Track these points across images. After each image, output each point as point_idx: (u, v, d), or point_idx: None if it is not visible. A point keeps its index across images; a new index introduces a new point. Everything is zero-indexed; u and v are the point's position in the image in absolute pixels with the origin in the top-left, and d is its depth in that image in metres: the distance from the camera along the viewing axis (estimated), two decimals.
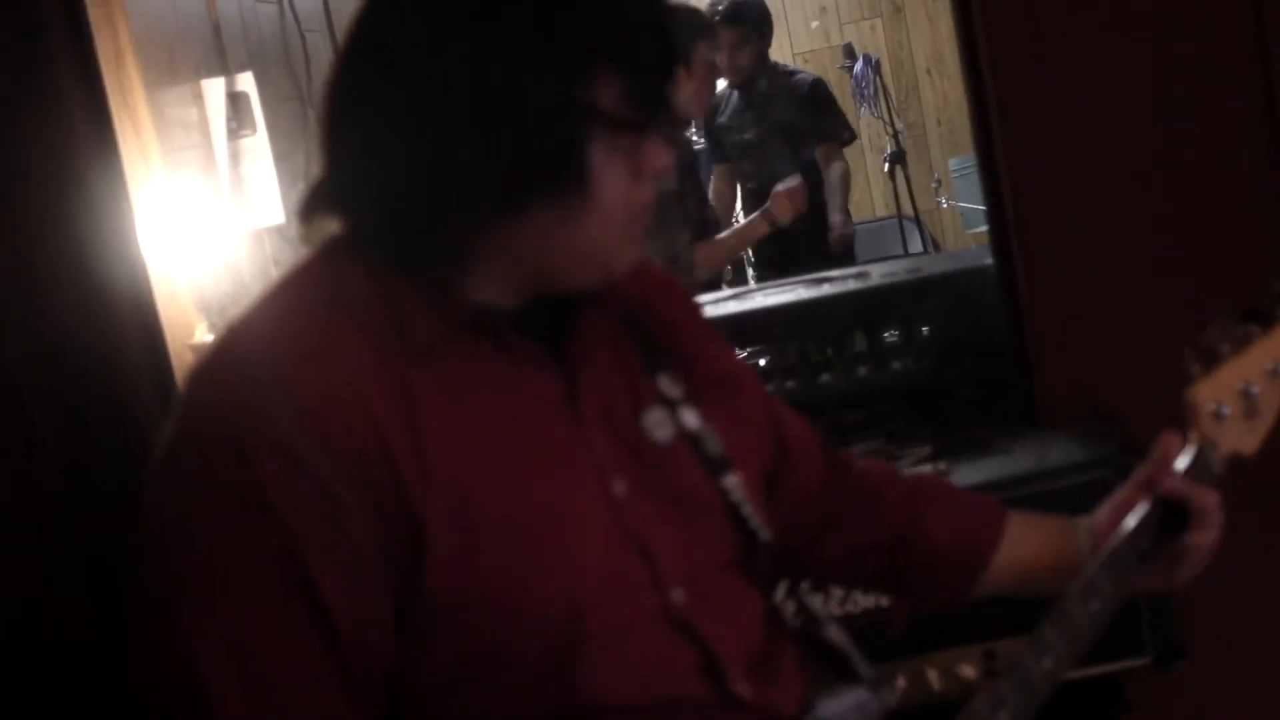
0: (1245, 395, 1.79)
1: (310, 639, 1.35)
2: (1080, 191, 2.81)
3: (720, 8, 5.43)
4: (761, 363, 3.17)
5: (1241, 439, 1.80)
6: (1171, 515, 1.72)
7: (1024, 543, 1.85)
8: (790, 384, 3.11)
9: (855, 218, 7.03)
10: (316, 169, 1.50)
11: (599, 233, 1.47)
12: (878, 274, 3.25)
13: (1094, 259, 2.83)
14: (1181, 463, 1.75)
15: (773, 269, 5.30)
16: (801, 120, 5.56)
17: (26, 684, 2.70)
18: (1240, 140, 2.78)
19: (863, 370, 3.09)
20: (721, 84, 5.50)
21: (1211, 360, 1.80)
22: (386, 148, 1.42)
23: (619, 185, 1.46)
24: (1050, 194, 2.81)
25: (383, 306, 1.43)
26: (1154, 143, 2.80)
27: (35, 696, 2.67)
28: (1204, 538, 1.72)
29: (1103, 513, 1.82)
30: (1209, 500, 1.72)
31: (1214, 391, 1.78)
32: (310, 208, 1.50)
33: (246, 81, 3.60)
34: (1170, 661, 2.51)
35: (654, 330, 1.66)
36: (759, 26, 5.52)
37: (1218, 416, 1.77)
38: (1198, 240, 2.81)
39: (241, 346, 1.44)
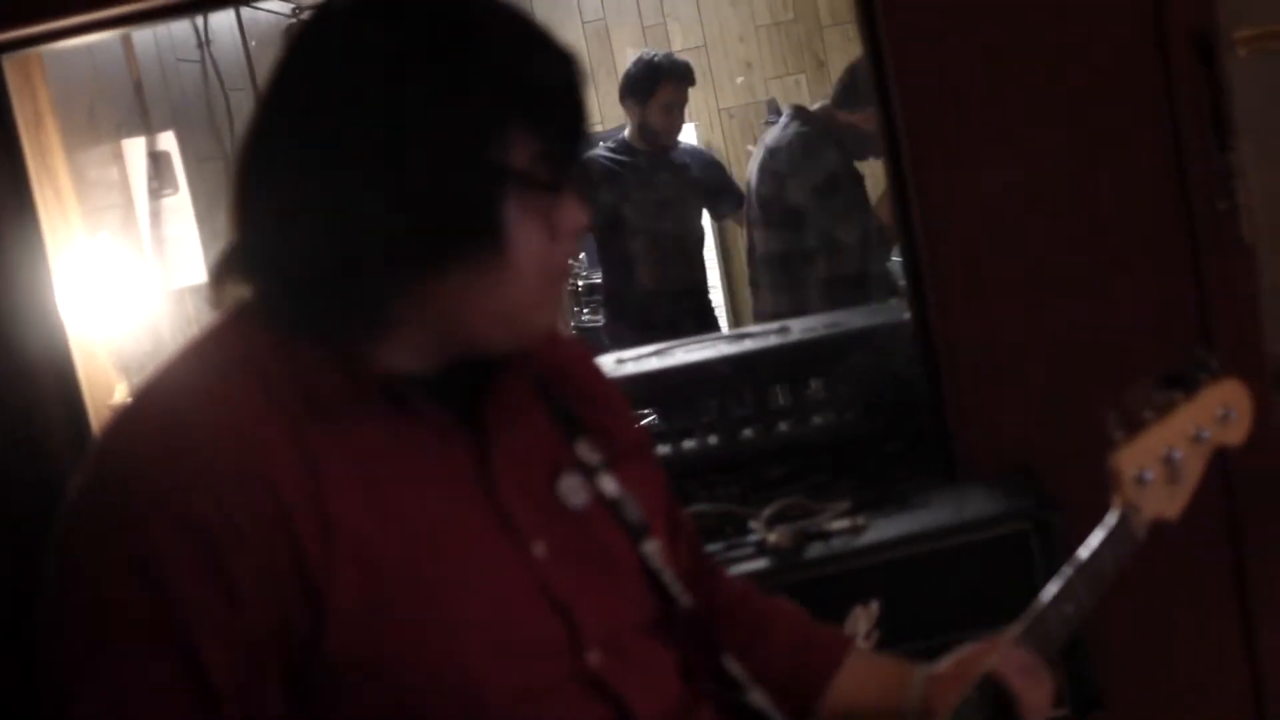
0: (1168, 461, 1.80)
1: (191, 703, 1.33)
2: (998, 248, 2.83)
3: (669, 60, 5.46)
4: (686, 420, 3.18)
5: (1164, 504, 1.81)
6: (1000, 696, 1.68)
7: (855, 686, 1.79)
8: (713, 439, 3.12)
9: None
10: (231, 232, 1.49)
11: (515, 294, 1.45)
12: (798, 329, 3.27)
13: (1012, 315, 2.85)
14: (1102, 532, 1.77)
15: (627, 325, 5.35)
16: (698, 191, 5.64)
17: None
18: (1153, 190, 2.81)
19: (784, 425, 3.10)
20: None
21: (1135, 425, 1.80)
22: (298, 211, 1.41)
23: (535, 245, 1.45)
24: (968, 251, 2.83)
25: (291, 373, 1.41)
26: (1070, 196, 2.83)
27: None
28: (1028, 707, 1.67)
29: (946, 665, 1.75)
30: (1033, 695, 1.67)
31: (1137, 457, 1.79)
32: (223, 271, 1.49)
33: (168, 140, 3.60)
34: (1087, 713, 2.52)
35: (571, 397, 1.65)
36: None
37: (1140, 481, 1.78)
38: (1118, 295, 2.84)
39: (143, 412, 1.43)
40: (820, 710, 1.78)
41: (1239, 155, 2.76)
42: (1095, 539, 1.77)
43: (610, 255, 5.46)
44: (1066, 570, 1.75)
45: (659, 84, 5.33)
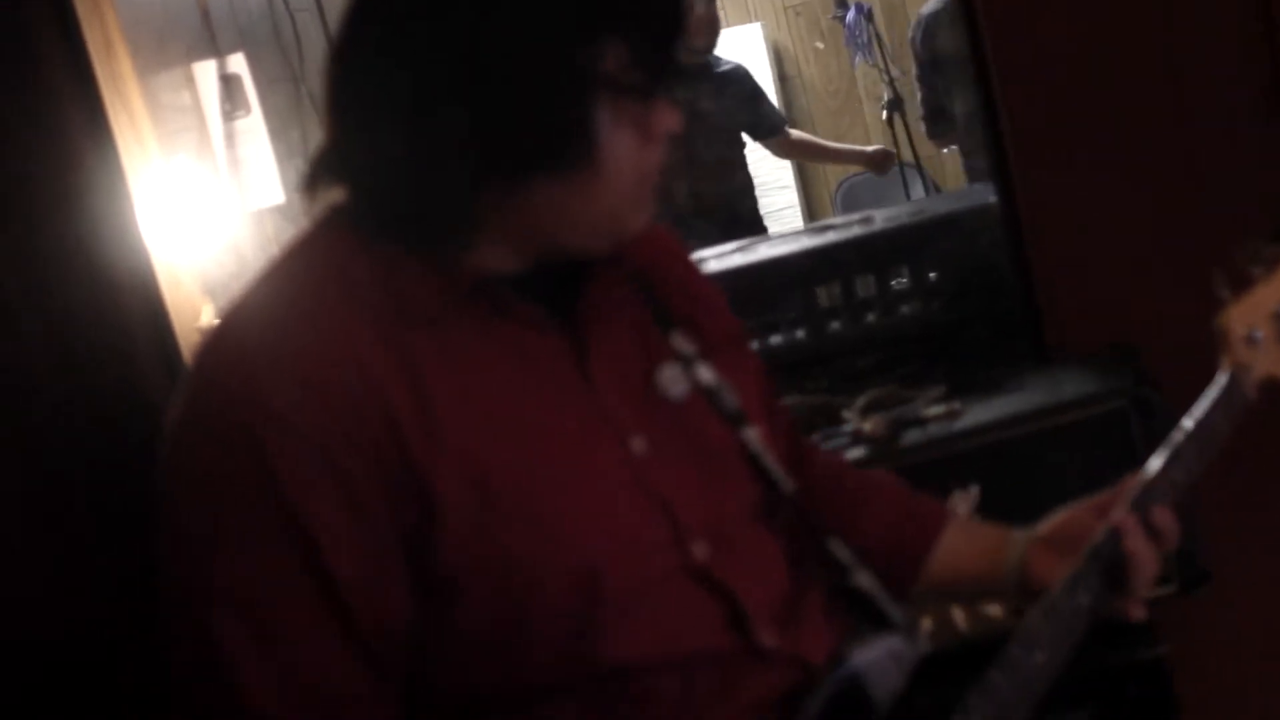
0: (1278, 318, 1.77)
1: (327, 618, 1.35)
2: (1082, 124, 2.79)
3: None
4: (774, 314, 3.16)
5: (1276, 362, 1.78)
6: (1110, 568, 1.66)
7: (954, 554, 1.82)
8: (800, 333, 3.10)
9: (852, 170, 7.03)
10: (313, 147, 1.49)
11: (607, 200, 1.45)
12: (881, 219, 3.22)
13: (1098, 192, 2.81)
14: (1206, 400, 1.73)
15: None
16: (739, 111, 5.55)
17: (43, 665, 2.72)
18: (1243, 70, 2.76)
19: (871, 316, 3.07)
20: None
21: (1242, 283, 1.78)
22: (388, 118, 1.40)
23: (627, 151, 1.44)
24: (1051, 127, 2.79)
25: (384, 280, 1.42)
26: (1157, 72, 2.78)
27: (48, 676, 2.69)
28: (1138, 609, 1.68)
29: (1047, 527, 1.77)
30: (1148, 566, 1.66)
31: (1246, 315, 1.76)
32: (314, 179, 1.49)
33: (238, 63, 3.60)
34: (1195, 588, 2.50)
35: (665, 290, 1.65)
36: None
37: (1250, 341, 1.75)
38: (1202, 167, 2.79)
39: (241, 328, 1.43)
40: (921, 580, 1.80)
41: None
42: (1204, 401, 1.74)
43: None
44: (1176, 435, 1.72)
45: None
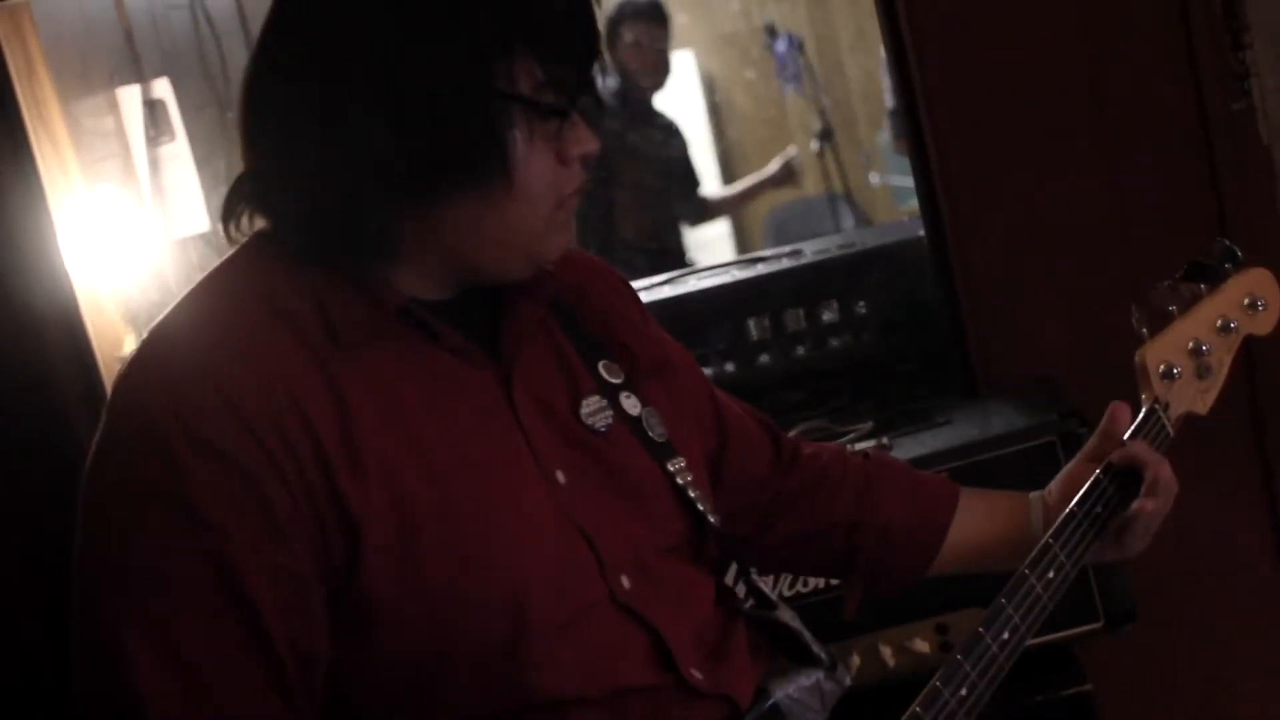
0: (1196, 354, 1.79)
1: (241, 639, 1.33)
2: (1010, 158, 2.81)
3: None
4: (703, 348, 3.15)
5: (1194, 399, 1.80)
6: (1123, 484, 1.71)
7: (976, 521, 1.84)
8: (729, 366, 3.09)
9: (786, 197, 7.04)
10: (239, 172, 1.48)
11: (524, 220, 1.45)
12: (811, 251, 3.23)
13: (1026, 225, 2.83)
14: (1131, 427, 1.74)
15: None
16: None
17: None
18: (1168, 93, 2.78)
19: (801, 349, 3.07)
20: None
21: (1160, 320, 1.79)
22: (305, 140, 1.40)
23: (542, 171, 1.44)
24: (979, 162, 2.81)
25: (309, 300, 1.41)
26: (1083, 102, 2.80)
27: None
28: (1154, 505, 1.70)
29: (1054, 486, 1.82)
30: (1160, 468, 1.71)
31: (1163, 352, 1.78)
32: (233, 205, 1.47)
33: (163, 88, 3.56)
34: (1121, 625, 2.51)
35: (589, 318, 1.64)
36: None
37: (1168, 376, 1.77)
38: (1130, 200, 2.81)
39: (165, 345, 1.42)
40: (946, 549, 1.83)
41: (1254, 54, 2.72)
42: (1127, 435, 1.75)
43: (590, 199, 5.34)
44: (1096, 472, 1.73)
45: (620, 24, 5.25)
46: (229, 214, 1.48)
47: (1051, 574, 1.66)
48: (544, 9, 1.41)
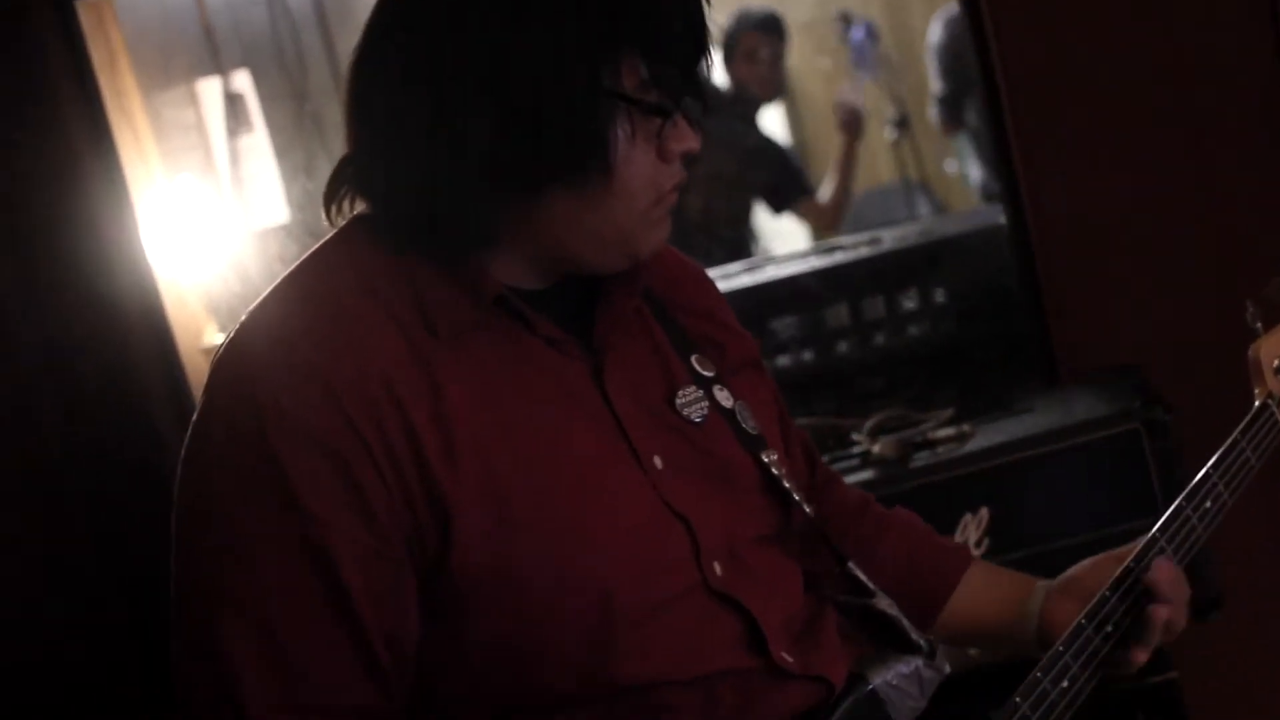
0: None
1: (334, 623, 1.34)
2: (1090, 144, 2.79)
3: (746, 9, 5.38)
4: (781, 336, 3.14)
5: None
6: (1138, 594, 1.66)
7: (977, 597, 1.80)
8: (807, 354, 3.09)
9: (862, 185, 7.01)
10: (317, 166, 1.48)
11: (622, 216, 1.45)
12: (890, 239, 3.22)
13: (1106, 212, 2.80)
14: (1243, 422, 1.73)
15: None
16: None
17: (41, 676, 2.71)
18: (1258, 85, 2.75)
19: (880, 337, 3.07)
20: None
21: (1274, 316, 1.79)
22: (410, 129, 1.40)
23: (642, 169, 1.44)
24: (1059, 148, 2.79)
25: (406, 288, 1.42)
26: (1165, 90, 2.77)
27: (48, 686, 2.69)
28: (1166, 611, 1.65)
29: (1065, 577, 1.75)
30: (1171, 576, 1.66)
31: (1277, 347, 1.77)
32: (336, 187, 1.48)
33: (242, 80, 3.59)
34: (1208, 613, 2.48)
35: (681, 312, 1.64)
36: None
37: None
38: (1210, 187, 2.79)
39: (262, 331, 1.42)
40: (940, 623, 1.79)
41: None
42: (1235, 432, 1.74)
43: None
44: (1205, 466, 1.72)
45: (737, 34, 5.25)
46: (331, 196, 1.48)
47: (1066, 683, 1.62)
48: (651, 7, 1.41)
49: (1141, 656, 1.66)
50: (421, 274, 1.42)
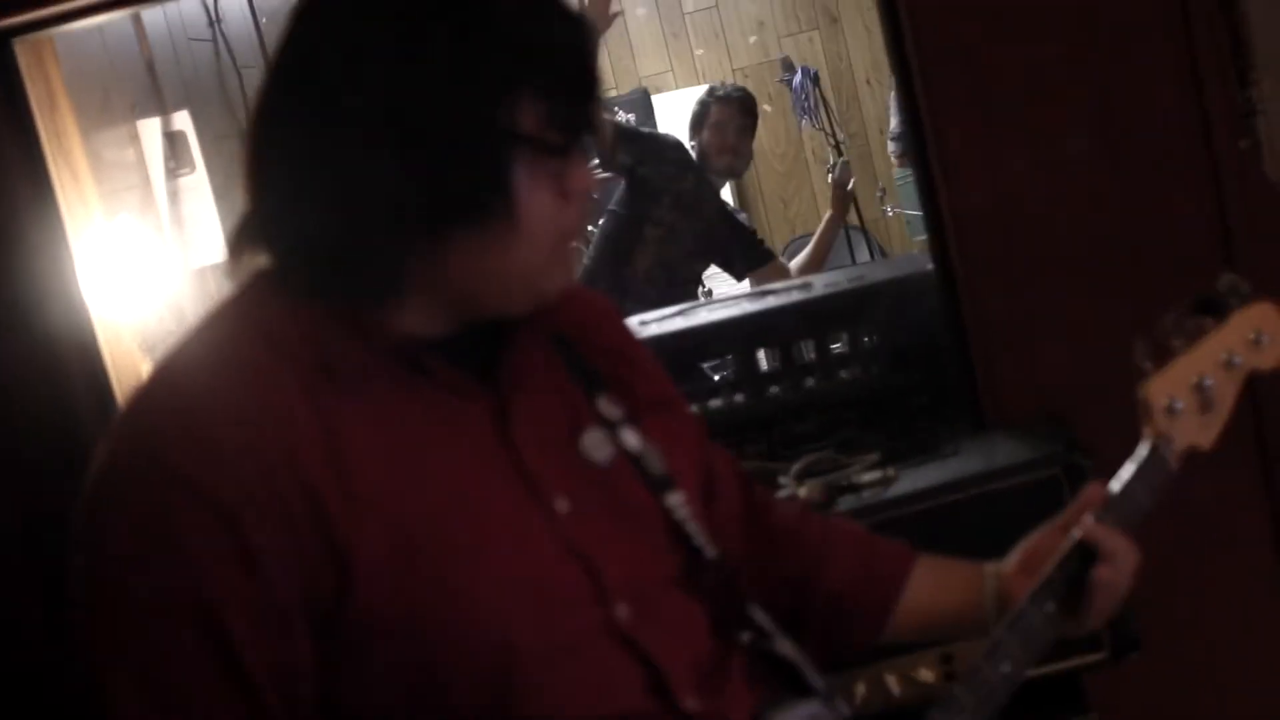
0: (1199, 389, 1.77)
1: (223, 680, 1.35)
2: (1016, 191, 2.81)
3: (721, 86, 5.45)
4: (714, 378, 3.17)
5: (1197, 433, 1.78)
6: (1086, 563, 1.69)
7: (929, 591, 1.83)
8: (739, 397, 3.11)
9: (800, 231, 7.07)
10: (246, 199, 1.49)
11: (526, 257, 1.46)
12: (821, 284, 3.25)
13: (1034, 258, 2.83)
14: (1132, 463, 1.75)
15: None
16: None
17: None
18: (1175, 130, 2.79)
19: (811, 381, 3.09)
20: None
21: (1164, 355, 1.78)
22: (309, 179, 1.41)
23: (544, 209, 1.45)
24: (986, 195, 2.82)
25: (307, 340, 1.42)
26: (1089, 136, 2.80)
27: None
28: (1111, 574, 1.68)
29: (1015, 554, 1.80)
30: (1121, 544, 1.69)
31: (1166, 386, 1.76)
32: (239, 240, 1.49)
33: (183, 120, 3.60)
34: (1125, 655, 2.52)
35: (590, 353, 1.66)
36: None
37: (1171, 411, 1.75)
38: (1137, 234, 2.82)
39: (162, 390, 1.44)
40: (896, 622, 1.81)
41: (1260, 91, 2.73)
42: (1126, 472, 1.75)
43: (618, 242, 5.28)
44: (1098, 507, 1.73)
45: (710, 104, 5.32)
46: (234, 251, 1.49)
47: (1006, 666, 1.64)
48: (552, 48, 1.42)
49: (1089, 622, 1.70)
50: (321, 325, 1.43)
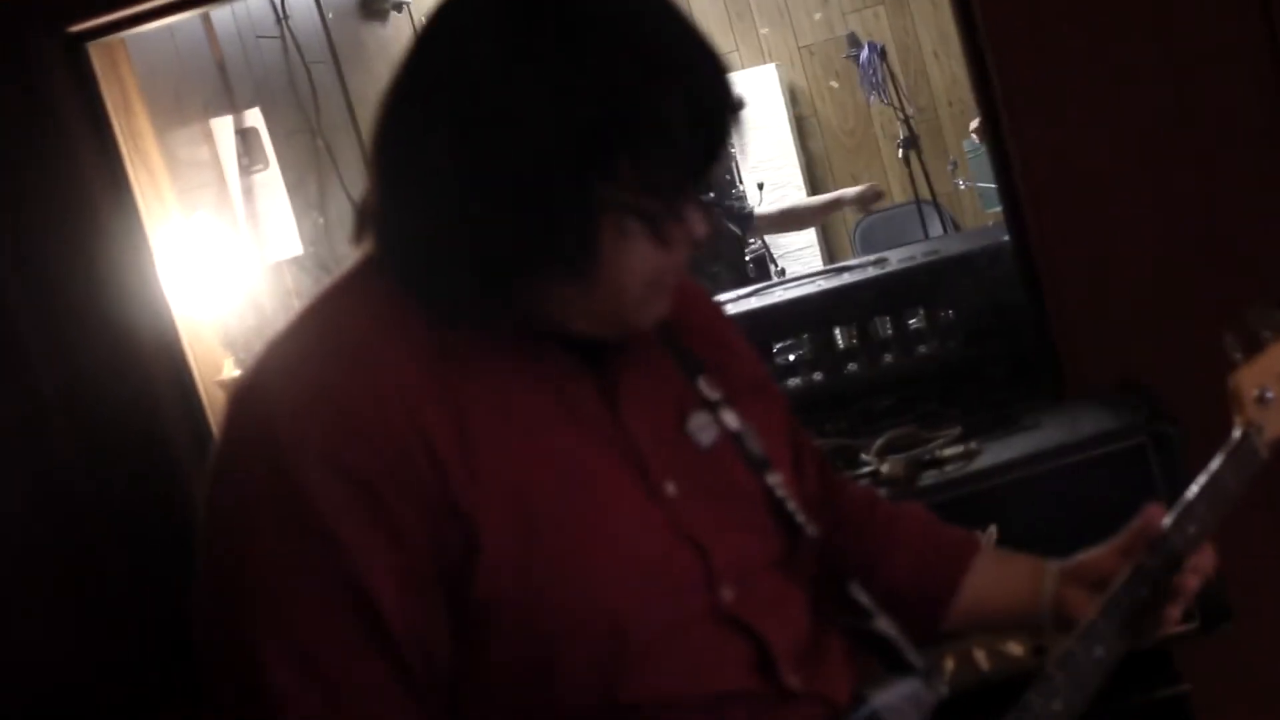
0: None
1: (369, 644, 1.36)
2: (1091, 161, 2.80)
3: None
4: (791, 357, 3.17)
5: None
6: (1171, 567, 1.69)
7: (988, 584, 1.81)
8: (818, 375, 3.11)
9: (873, 209, 7.03)
10: (330, 198, 1.50)
11: (614, 303, 1.46)
12: (896, 259, 3.24)
13: (1110, 228, 2.82)
14: (1223, 451, 1.74)
15: None
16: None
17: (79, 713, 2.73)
18: (1252, 103, 2.76)
19: (889, 356, 3.08)
20: None
21: (1254, 345, 1.78)
22: (416, 197, 1.42)
23: (635, 262, 1.43)
24: (1061, 165, 2.80)
25: (423, 318, 1.44)
26: (1169, 107, 2.78)
27: None
28: (1196, 581, 1.69)
29: (1076, 561, 1.78)
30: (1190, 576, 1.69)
31: (1257, 376, 1.76)
32: (360, 224, 1.50)
33: (255, 117, 3.63)
34: (1216, 625, 2.49)
35: (687, 336, 1.66)
36: None
37: (1261, 401, 1.76)
38: (1211, 203, 2.80)
39: (281, 361, 1.45)
40: (954, 611, 1.80)
41: None
42: (1216, 460, 1.74)
43: None
44: (1188, 492, 1.72)
45: None
46: (357, 228, 1.51)
47: (1098, 650, 1.64)
48: (659, 116, 1.37)
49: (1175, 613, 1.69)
50: (432, 308, 1.44)
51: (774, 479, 1.62)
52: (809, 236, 6.99)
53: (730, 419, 1.61)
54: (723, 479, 1.57)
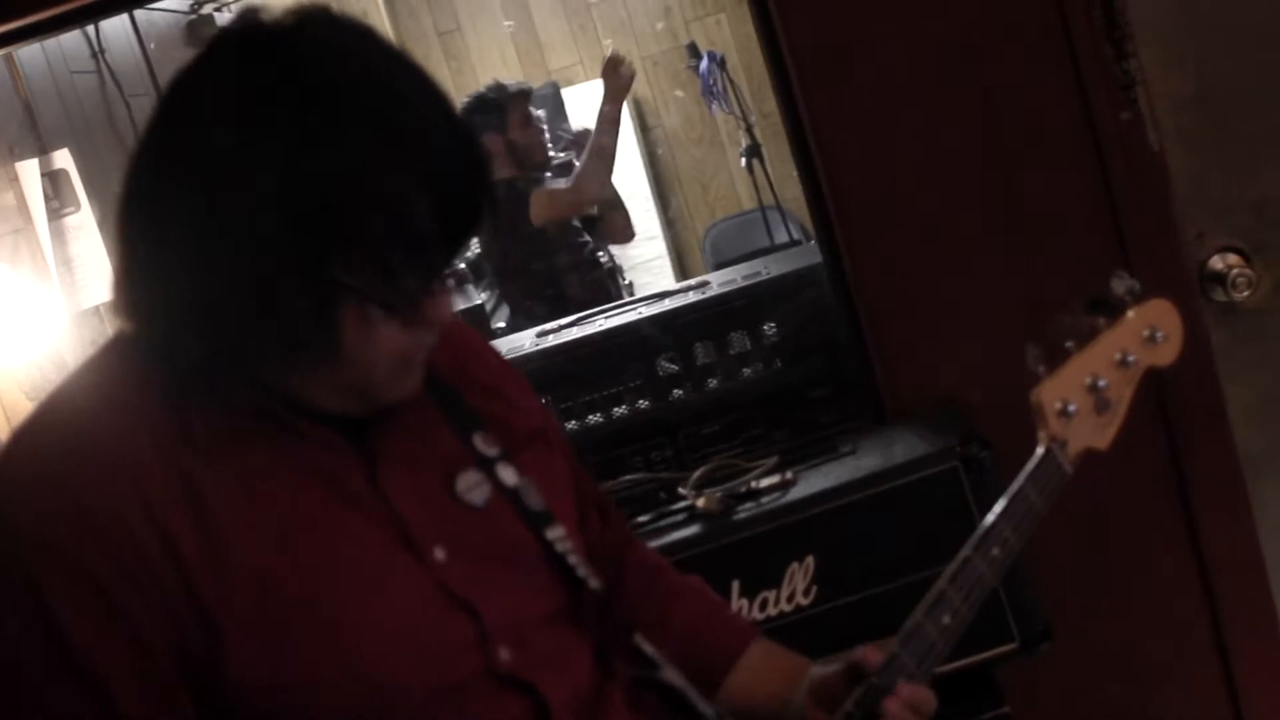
0: (1093, 390, 1.75)
1: None
2: (898, 179, 2.79)
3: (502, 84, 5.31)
4: (616, 387, 3.14)
5: (1092, 435, 1.76)
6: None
7: (754, 677, 1.80)
8: (643, 403, 3.09)
9: (721, 214, 7.05)
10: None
11: (363, 380, 1.44)
12: (717, 283, 3.23)
13: (923, 246, 2.80)
14: (1028, 467, 1.72)
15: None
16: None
17: None
18: (1055, 108, 2.76)
19: (713, 382, 3.07)
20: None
21: (1056, 357, 1.76)
22: (163, 271, 1.38)
23: (380, 343, 1.41)
24: (868, 185, 2.79)
25: (165, 405, 1.40)
26: (974, 122, 2.77)
27: None
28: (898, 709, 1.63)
29: (836, 665, 1.71)
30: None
31: (1059, 389, 1.74)
32: (114, 300, 1.46)
33: (64, 158, 3.53)
34: (1036, 645, 2.50)
35: (462, 390, 1.63)
36: None
37: (1065, 414, 1.73)
38: (1029, 220, 2.79)
39: (21, 453, 1.41)
40: (719, 697, 1.78)
41: (1138, 62, 2.71)
42: (1019, 479, 1.72)
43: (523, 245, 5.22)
44: (990, 514, 1.71)
45: (508, 104, 5.16)
46: (115, 309, 1.47)
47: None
48: (395, 208, 1.35)
49: None
50: (178, 389, 1.41)
51: (554, 533, 1.59)
52: (659, 247, 6.98)
53: (508, 474, 1.58)
54: (496, 538, 1.55)
